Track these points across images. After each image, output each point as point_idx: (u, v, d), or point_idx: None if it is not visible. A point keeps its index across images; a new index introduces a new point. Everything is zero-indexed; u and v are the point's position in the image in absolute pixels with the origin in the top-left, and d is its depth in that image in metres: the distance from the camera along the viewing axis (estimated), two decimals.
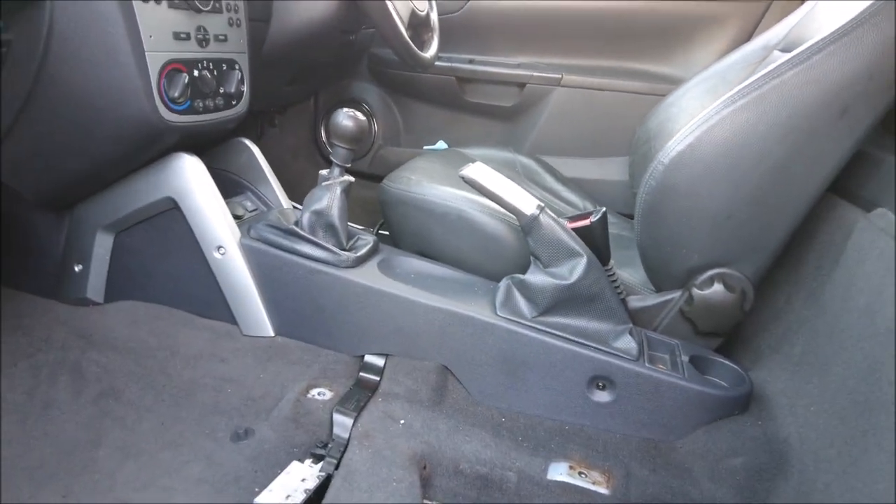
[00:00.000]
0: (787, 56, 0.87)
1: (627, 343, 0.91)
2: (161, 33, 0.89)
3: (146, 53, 0.87)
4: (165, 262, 1.07)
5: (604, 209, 0.96)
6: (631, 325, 0.93)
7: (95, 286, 1.10)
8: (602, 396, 0.92)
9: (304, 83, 1.61)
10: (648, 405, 0.90)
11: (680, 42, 1.62)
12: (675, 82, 1.44)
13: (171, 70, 0.91)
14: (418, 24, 1.33)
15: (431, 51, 1.35)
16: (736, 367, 0.95)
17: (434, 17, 1.41)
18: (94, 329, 1.06)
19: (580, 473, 0.83)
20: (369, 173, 1.78)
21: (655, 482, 0.83)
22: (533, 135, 1.66)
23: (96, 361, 0.98)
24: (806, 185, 0.91)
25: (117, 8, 0.83)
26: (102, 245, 1.08)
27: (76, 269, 1.10)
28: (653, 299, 1.02)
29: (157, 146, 0.97)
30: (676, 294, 1.00)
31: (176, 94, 0.92)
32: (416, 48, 1.24)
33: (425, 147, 1.78)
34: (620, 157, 1.62)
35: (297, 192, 1.23)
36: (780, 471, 0.78)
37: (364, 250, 1.03)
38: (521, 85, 1.66)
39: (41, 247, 1.12)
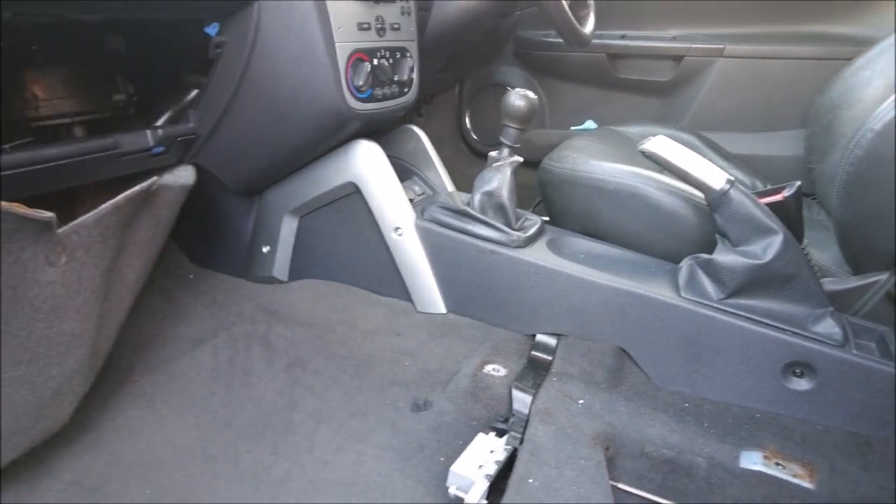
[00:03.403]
0: None
1: (830, 327, 0.84)
2: (347, 24, 0.94)
3: (336, 44, 0.93)
4: (345, 243, 1.13)
5: (798, 183, 0.88)
6: (832, 309, 0.85)
7: (281, 266, 1.19)
8: (800, 384, 0.85)
9: (454, 70, 1.63)
10: (857, 396, 0.82)
11: None
12: (862, 43, 1.30)
13: (356, 59, 0.96)
14: (574, 0, 1.31)
15: (589, 26, 1.32)
16: None
17: None
18: (280, 305, 1.15)
19: (777, 464, 0.78)
20: None
21: (869, 482, 0.75)
22: (692, 110, 1.57)
23: (282, 335, 1.07)
24: None
25: (313, 2, 0.89)
26: (288, 227, 1.17)
27: (264, 250, 1.20)
28: (853, 282, 0.93)
29: (342, 133, 1.03)
30: (883, 276, 0.90)
31: (360, 83, 0.97)
32: (578, 24, 1.21)
33: (573, 128, 1.74)
34: (791, 130, 1.49)
35: None
36: None
37: (532, 230, 1.03)
38: (678, 58, 1.57)
39: (234, 230, 1.23)
